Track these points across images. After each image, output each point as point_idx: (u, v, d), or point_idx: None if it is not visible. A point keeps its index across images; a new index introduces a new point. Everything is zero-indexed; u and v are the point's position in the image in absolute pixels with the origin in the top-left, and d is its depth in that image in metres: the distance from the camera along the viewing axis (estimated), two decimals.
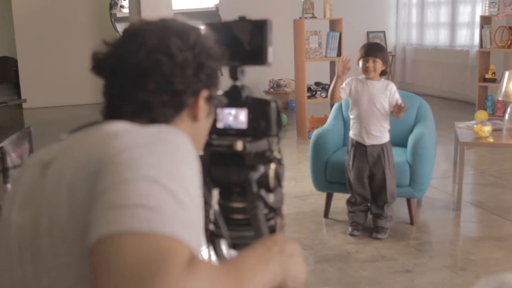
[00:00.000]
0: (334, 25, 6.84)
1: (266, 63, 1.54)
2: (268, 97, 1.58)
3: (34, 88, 9.81)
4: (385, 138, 3.77)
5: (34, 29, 9.65)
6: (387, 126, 3.78)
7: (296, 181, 5.14)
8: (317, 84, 7.16)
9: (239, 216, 1.43)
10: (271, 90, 9.23)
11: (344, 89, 3.80)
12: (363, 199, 3.88)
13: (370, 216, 3.94)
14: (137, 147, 0.90)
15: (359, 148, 3.80)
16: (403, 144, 4.14)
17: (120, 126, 0.99)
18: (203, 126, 1.19)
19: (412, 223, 4.03)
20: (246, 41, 1.61)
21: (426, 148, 3.91)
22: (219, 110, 1.54)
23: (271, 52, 1.52)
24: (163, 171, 0.86)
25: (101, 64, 1.11)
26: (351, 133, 3.86)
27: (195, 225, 0.86)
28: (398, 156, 3.96)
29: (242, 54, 1.58)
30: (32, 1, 9.64)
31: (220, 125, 1.54)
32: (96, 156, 0.91)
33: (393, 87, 3.75)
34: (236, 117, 1.49)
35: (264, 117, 1.55)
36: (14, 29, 9.73)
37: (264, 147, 1.53)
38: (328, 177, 4.10)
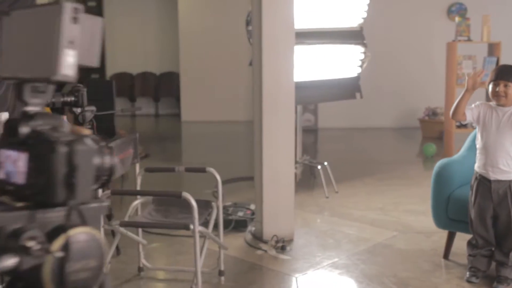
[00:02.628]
0: (492, 49, 6.25)
1: (54, 76, 0.91)
2: (58, 136, 0.94)
3: (193, 102, 10.27)
4: None
5: (197, 47, 10.12)
6: None
7: (425, 215, 4.67)
8: None
9: None
10: (426, 118, 8.71)
11: (472, 110, 3.37)
12: (485, 242, 3.39)
13: (494, 263, 3.44)
14: None
15: (483, 183, 3.33)
16: None
17: None
18: None
19: None
20: (32, 40, 0.98)
21: None
22: None
23: (70, 56, 0.92)
24: None
25: None
26: (476, 166, 3.41)
27: None
28: None
29: (25, 60, 0.99)
30: (197, 21, 10.14)
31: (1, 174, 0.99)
32: None
33: None
34: (16, 164, 0.97)
35: (45, 170, 0.92)
36: (179, 47, 10.31)
37: (26, 222, 0.91)
38: (450, 214, 3.66)
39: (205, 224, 3.27)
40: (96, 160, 0.95)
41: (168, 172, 3.59)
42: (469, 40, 6.24)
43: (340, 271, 3.59)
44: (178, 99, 10.67)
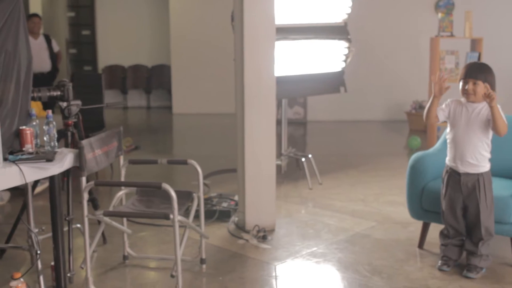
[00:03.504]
0: (474, 45, 6.38)
1: None
2: None
3: (184, 95, 10.37)
4: (483, 167, 3.40)
5: (188, 40, 10.21)
6: (486, 154, 3.41)
7: (404, 206, 4.80)
8: None
9: None
10: (413, 111, 8.84)
11: (443, 110, 3.51)
12: (456, 232, 3.54)
13: (465, 252, 3.58)
14: None
15: (453, 176, 3.48)
16: None
17: None
18: None
19: None
20: None
21: None
22: None
23: None
24: None
25: None
26: (446, 159, 3.55)
27: None
28: (503, 189, 3.56)
29: None
30: (188, 14, 10.23)
31: None
32: None
33: None
34: None
35: None
36: (170, 40, 10.41)
37: None
38: (424, 205, 3.80)
39: (186, 214, 3.41)
40: None
41: (151, 164, 3.69)
42: (451, 35, 6.38)
43: (318, 260, 3.73)
44: (169, 91, 10.76)
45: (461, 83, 3.44)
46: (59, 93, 3.52)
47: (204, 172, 5.50)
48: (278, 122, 5.98)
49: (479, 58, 6.19)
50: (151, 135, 9.02)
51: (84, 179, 3.08)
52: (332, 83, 5.91)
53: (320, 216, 4.62)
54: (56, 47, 7.99)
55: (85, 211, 3.07)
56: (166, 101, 11.14)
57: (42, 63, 7.75)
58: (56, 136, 3.16)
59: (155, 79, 11.34)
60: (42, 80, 7.24)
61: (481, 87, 3.35)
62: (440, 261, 3.60)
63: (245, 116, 4.19)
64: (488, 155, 3.42)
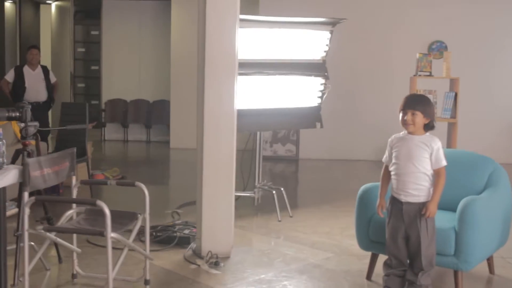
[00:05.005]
0: (452, 84, 6.48)
1: None
2: None
3: (181, 129, 10.53)
4: (424, 197, 3.46)
5: (187, 77, 10.41)
6: (427, 185, 3.46)
7: None
8: None
9: None
10: None
11: (387, 157, 3.63)
12: (398, 262, 3.57)
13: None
14: None
15: (396, 205, 3.53)
16: None
17: None
18: None
19: None
20: None
21: (476, 215, 3.51)
22: None
23: None
24: None
25: None
26: (391, 189, 3.62)
27: None
28: (445, 221, 3.61)
29: None
30: (187, 51, 10.42)
31: None
32: None
33: (436, 143, 3.45)
34: None
35: None
36: (170, 75, 10.67)
37: None
38: (371, 235, 3.85)
39: (138, 235, 3.50)
40: None
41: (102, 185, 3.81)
42: (430, 75, 6.48)
43: (262, 286, 3.77)
44: (169, 126, 10.93)
45: (400, 114, 3.53)
46: (17, 114, 3.69)
47: (184, 201, 5.65)
48: (265, 157, 6.09)
49: (455, 97, 6.28)
50: (141, 167, 9.20)
51: (26, 194, 3.20)
52: (308, 118, 6.03)
53: (279, 246, 4.67)
54: (53, 78, 8.26)
55: (26, 225, 3.18)
56: (165, 136, 11.31)
57: (39, 93, 8.01)
58: (5, 153, 3.30)
59: (155, 114, 11.55)
60: (37, 109, 7.45)
61: (420, 118, 3.45)
62: None
63: (204, 147, 4.30)
64: (430, 186, 3.47)
